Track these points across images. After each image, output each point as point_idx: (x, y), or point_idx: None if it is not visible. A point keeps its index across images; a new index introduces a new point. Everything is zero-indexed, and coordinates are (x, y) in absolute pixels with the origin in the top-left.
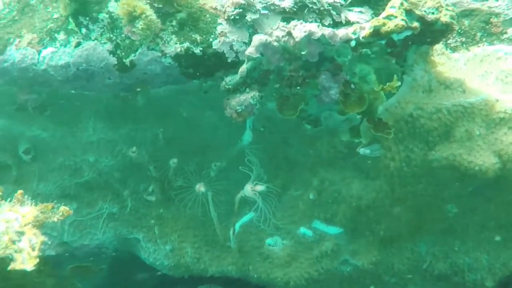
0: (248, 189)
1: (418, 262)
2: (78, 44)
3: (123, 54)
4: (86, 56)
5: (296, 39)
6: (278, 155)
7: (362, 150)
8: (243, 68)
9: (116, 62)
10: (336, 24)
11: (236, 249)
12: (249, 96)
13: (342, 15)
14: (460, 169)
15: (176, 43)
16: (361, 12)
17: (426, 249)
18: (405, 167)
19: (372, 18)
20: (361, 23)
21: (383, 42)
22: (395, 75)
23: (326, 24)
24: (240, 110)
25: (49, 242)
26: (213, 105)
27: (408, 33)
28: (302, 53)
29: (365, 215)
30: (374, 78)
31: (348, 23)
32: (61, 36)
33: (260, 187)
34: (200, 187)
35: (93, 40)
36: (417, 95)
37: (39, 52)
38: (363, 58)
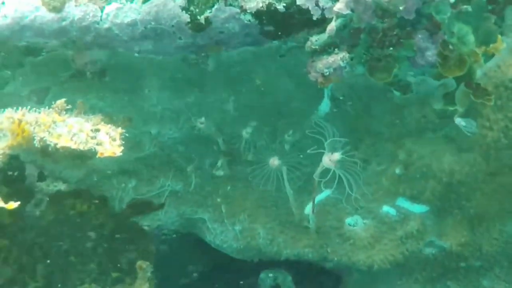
0: (326, 160)
1: (507, 243)
2: None
3: (197, 10)
4: (156, 13)
5: None
6: (359, 126)
7: (458, 120)
8: (332, 26)
9: (189, 20)
10: None
11: (314, 230)
12: (338, 58)
13: None
14: None
15: None
16: None
17: None
18: (503, 138)
19: None
20: None
21: None
22: (498, 36)
23: None
24: (328, 73)
25: None
26: (290, 70)
27: None
28: (400, 8)
29: (456, 192)
30: (472, 39)
31: None
32: None
33: (337, 155)
34: (274, 161)
35: None
36: None
37: (102, 9)
38: (462, 16)
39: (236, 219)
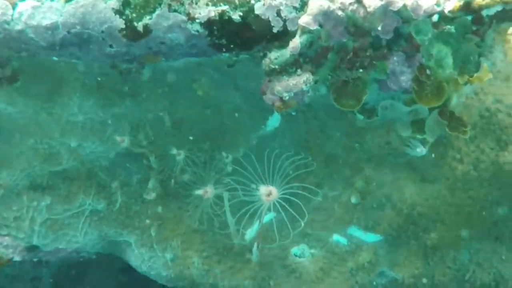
0: (263, 197)
1: (459, 271)
2: None
3: (134, 15)
4: (82, 15)
5: (369, 9)
6: (312, 145)
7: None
8: (296, 42)
9: (123, 26)
10: None
11: (256, 262)
12: (300, 80)
13: None
14: None
15: (207, 4)
16: None
17: (469, 257)
18: (473, 171)
19: None
20: None
21: (470, 18)
22: (481, 62)
23: None
24: (287, 97)
25: (14, 245)
26: (238, 83)
27: (500, 7)
28: (378, 26)
29: (415, 223)
30: (450, 62)
31: None
32: None
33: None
34: (207, 192)
35: None
36: (495, 83)
37: (14, 6)
38: (443, 37)
39: (168, 245)
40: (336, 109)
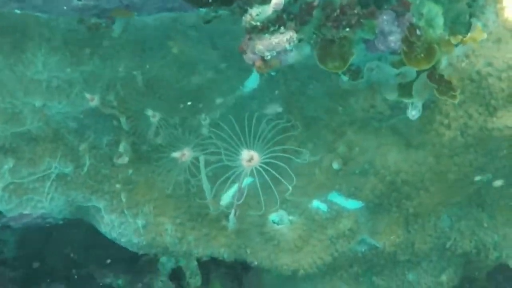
0: (244, 155)
1: (439, 239)
2: None
3: None
4: None
5: None
6: (292, 109)
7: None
8: None
9: None
10: None
11: (233, 230)
12: (284, 39)
13: None
14: None
15: None
16: None
17: (450, 224)
18: (460, 137)
19: None
20: None
21: None
22: (475, 23)
23: None
24: (269, 57)
25: None
26: (215, 40)
27: None
28: None
29: (398, 191)
30: (441, 22)
31: None
32: None
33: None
34: (184, 155)
35: None
36: (487, 45)
37: None
38: None
39: (139, 211)
40: (319, 69)
